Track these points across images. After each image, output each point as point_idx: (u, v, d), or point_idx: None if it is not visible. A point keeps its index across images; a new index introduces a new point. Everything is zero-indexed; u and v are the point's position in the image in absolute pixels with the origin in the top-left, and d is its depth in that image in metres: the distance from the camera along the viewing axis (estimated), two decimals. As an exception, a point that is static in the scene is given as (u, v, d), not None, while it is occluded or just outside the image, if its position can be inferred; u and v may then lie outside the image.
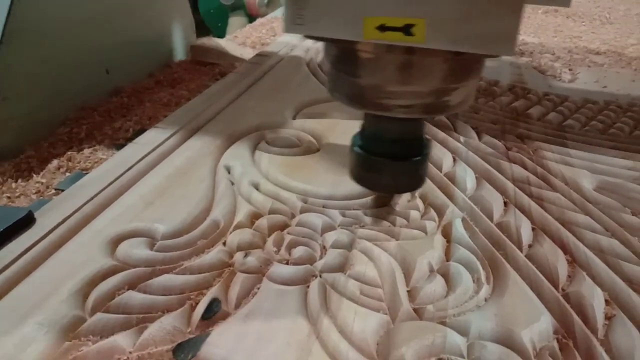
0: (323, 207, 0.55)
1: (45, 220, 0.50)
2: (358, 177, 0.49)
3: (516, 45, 0.34)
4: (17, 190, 0.70)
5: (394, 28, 0.32)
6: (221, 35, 1.23)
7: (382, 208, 0.55)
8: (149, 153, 0.63)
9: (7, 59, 0.71)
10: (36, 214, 0.51)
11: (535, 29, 1.37)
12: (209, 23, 2.43)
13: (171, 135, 0.68)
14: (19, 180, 0.73)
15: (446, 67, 0.37)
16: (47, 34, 0.80)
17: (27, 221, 0.49)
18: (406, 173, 0.47)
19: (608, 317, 0.43)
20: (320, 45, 0.48)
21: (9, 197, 0.69)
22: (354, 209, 0.55)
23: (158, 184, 0.58)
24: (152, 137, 0.67)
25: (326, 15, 0.34)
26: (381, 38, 0.33)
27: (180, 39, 1.17)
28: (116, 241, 0.49)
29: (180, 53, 1.19)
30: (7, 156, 0.75)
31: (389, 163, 0.45)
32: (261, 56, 1.03)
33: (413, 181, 0.49)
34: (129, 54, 1.02)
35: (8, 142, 0.76)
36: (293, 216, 0.54)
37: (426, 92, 0.38)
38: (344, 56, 0.39)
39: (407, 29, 0.32)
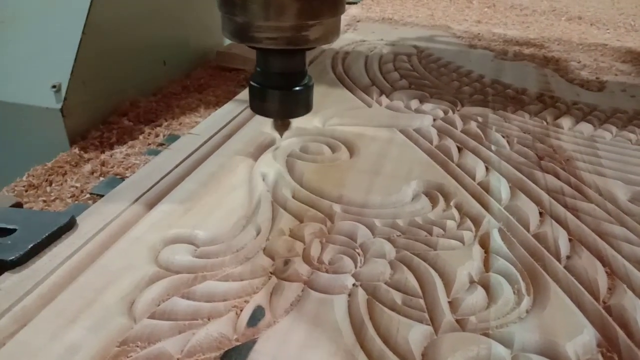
0: (358, 214, 0.55)
1: (86, 226, 0.51)
2: (253, 106, 0.57)
3: None
4: (52, 194, 0.71)
5: None
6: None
7: (414, 218, 0.55)
8: (184, 160, 0.64)
9: (87, 48, 0.82)
10: (77, 219, 0.52)
11: (560, 36, 1.37)
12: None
13: (204, 142, 0.68)
14: (53, 184, 0.74)
15: (298, 6, 0.46)
16: (119, 26, 0.91)
17: (69, 226, 0.50)
18: (289, 101, 0.55)
19: (652, 331, 0.43)
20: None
21: (44, 201, 0.70)
22: (389, 218, 0.55)
23: (195, 190, 0.58)
24: (186, 144, 0.68)
25: None
26: None
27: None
28: (157, 247, 0.49)
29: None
30: (77, 137, 0.84)
31: (274, 92, 0.54)
32: (287, 63, 1.04)
33: (297, 107, 0.56)
34: (184, 45, 1.14)
35: (80, 124, 0.85)
36: (329, 223, 0.54)
37: (286, 26, 0.47)
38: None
39: None
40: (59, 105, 0.79)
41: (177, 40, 1.11)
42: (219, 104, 0.99)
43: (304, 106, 0.57)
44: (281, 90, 0.55)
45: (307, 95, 0.57)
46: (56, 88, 0.78)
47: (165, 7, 1.03)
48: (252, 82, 0.55)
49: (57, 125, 0.80)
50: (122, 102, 0.94)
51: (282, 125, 0.62)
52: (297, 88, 0.55)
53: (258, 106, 0.56)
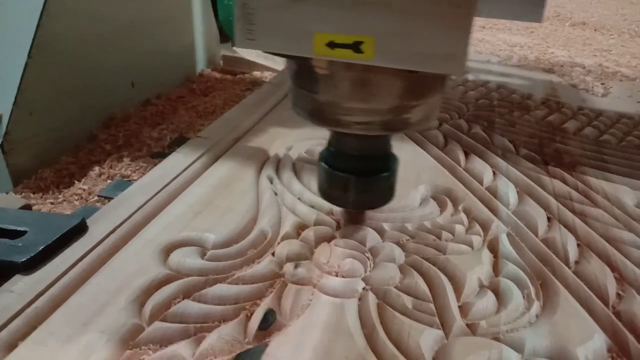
0: (367, 218, 0.55)
1: (97, 228, 0.51)
2: (324, 193, 0.47)
3: (465, 64, 0.32)
4: (60, 197, 0.72)
5: (343, 45, 0.32)
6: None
7: (423, 223, 0.55)
8: (192, 163, 0.64)
9: (35, 74, 0.71)
10: (87, 221, 0.52)
11: (564, 42, 1.37)
12: (228, 31, 2.44)
13: (213, 146, 0.68)
14: (60, 187, 0.75)
15: (402, 85, 0.36)
16: (74, 48, 0.80)
17: (80, 229, 0.50)
18: (372, 189, 0.45)
19: (663, 337, 0.43)
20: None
21: (52, 203, 0.70)
22: (398, 222, 0.55)
23: (204, 194, 0.58)
24: (194, 147, 0.68)
25: (275, 31, 0.33)
26: (331, 55, 0.32)
27: (203, 50, 1.19)
28: (168, 250, 0.49)
29: (202, 63, 1.21)
30: (23, 177, 0.74)
31: (355, 179, 0.44)
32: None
33: (380, 197, 0.46)
34: (154, 66, 1.03)
35: (27, 161, 0.75)
36: (338, 227, 0.54)
37: (385, 109, 0.37)
38: (301, 72, 0.38)
39: (356, 46, 0.31)
40: None
41: (149, 59, 1.00)
42: (225, 107, 0.99)
43: (386, 196, 0.47)
44: (360, 177, 0.44)
45: (391, 183, 0.46)
46: None
47: (134, 22, 0.91)
48: (322, 164, 0.45)
49: None
50: (87, 132, 0.84)
51: (354, 218, 0.52)
52: (382, 174, 0.44)
53: (328, 192, 0.46)
